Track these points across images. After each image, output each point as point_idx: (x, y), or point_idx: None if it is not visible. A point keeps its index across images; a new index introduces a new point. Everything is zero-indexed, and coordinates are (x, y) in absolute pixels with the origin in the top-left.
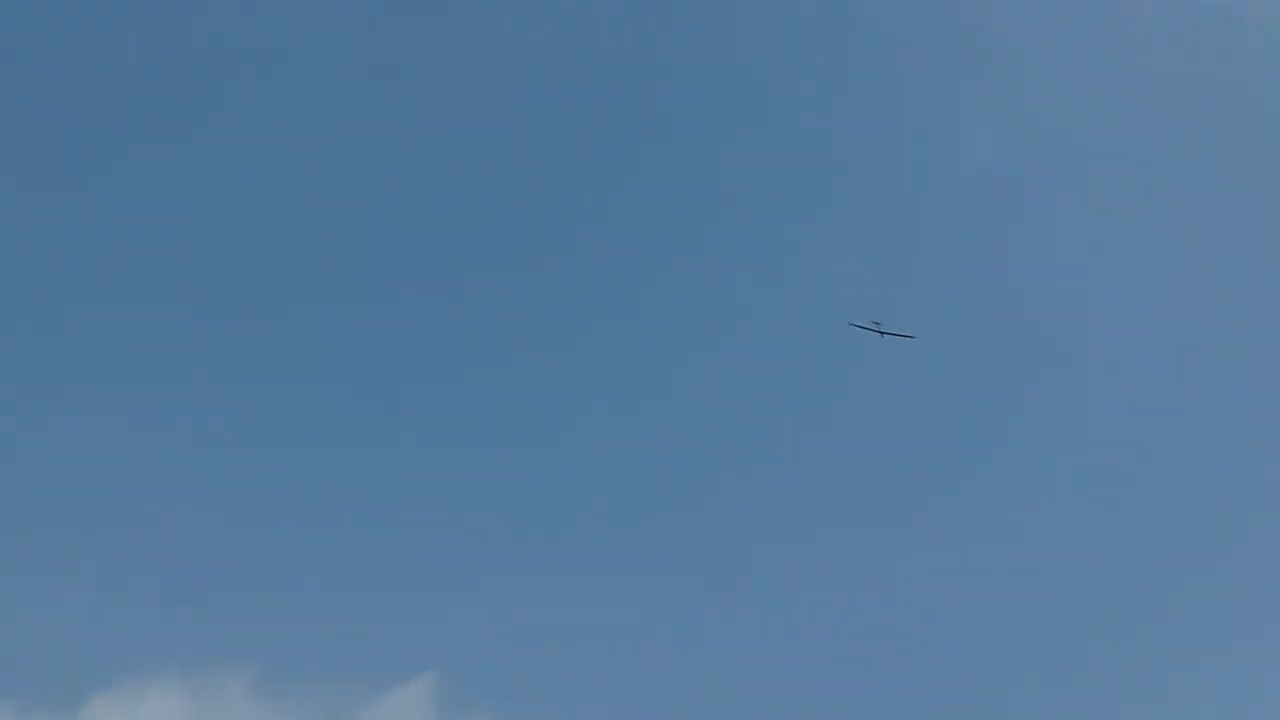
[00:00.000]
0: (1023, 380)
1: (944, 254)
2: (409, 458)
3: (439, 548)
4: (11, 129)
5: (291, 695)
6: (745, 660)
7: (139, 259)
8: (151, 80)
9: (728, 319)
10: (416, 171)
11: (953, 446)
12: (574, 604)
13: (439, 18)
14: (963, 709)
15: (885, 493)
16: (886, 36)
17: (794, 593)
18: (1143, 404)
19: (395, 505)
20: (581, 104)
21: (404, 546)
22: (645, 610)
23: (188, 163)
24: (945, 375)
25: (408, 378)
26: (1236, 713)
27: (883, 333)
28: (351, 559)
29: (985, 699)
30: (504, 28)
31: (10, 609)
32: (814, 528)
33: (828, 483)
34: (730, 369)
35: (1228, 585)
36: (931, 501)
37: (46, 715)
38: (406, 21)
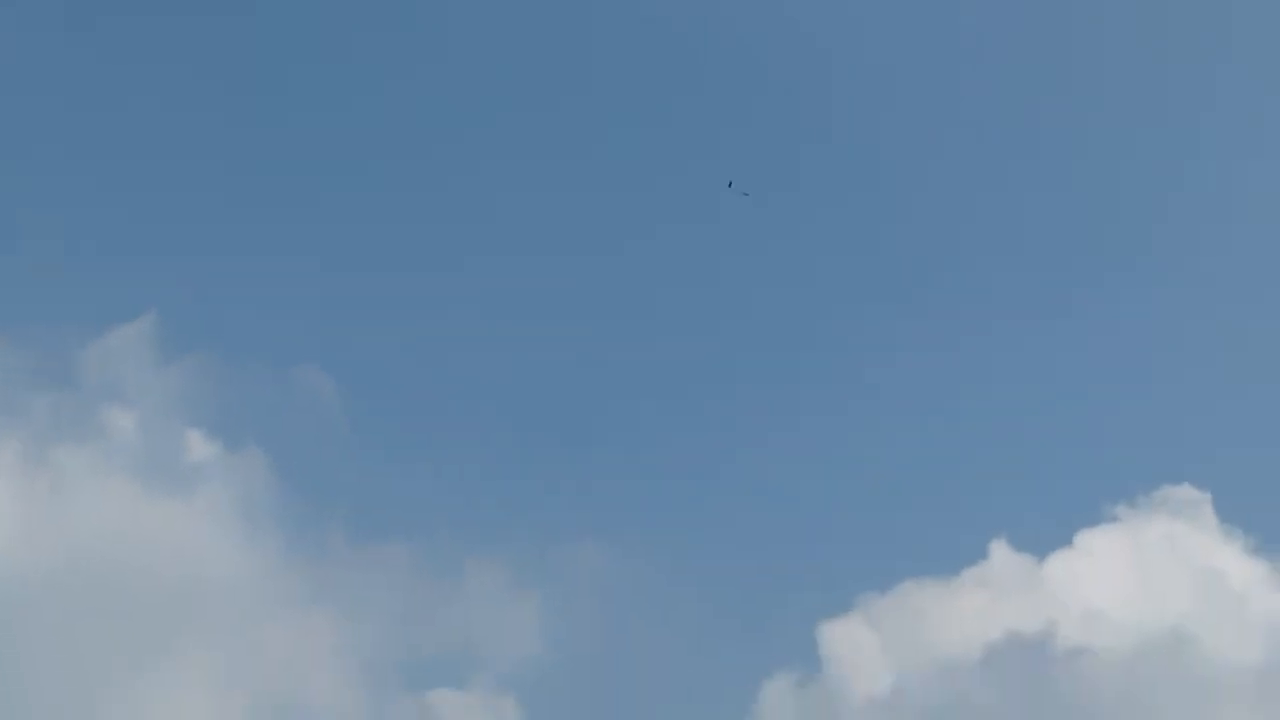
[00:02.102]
0: None
1: None
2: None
3: (155, 185)
4: None
5: (10, 339)
6: None
7: None
8: None
9: None
10: None
11: None
12: (298, 246)
13: None
14: None
15: None
16: None
17: None
18: None
19: (116, 143)
20: None
21: (120, 183)
22: (384, 266)
23: None
24: None
25: None
26: None
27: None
28: (68, 194)
29: None
30: None
31: None
32: None
33: None
34: None
35: None
36: None
37: None
38: None
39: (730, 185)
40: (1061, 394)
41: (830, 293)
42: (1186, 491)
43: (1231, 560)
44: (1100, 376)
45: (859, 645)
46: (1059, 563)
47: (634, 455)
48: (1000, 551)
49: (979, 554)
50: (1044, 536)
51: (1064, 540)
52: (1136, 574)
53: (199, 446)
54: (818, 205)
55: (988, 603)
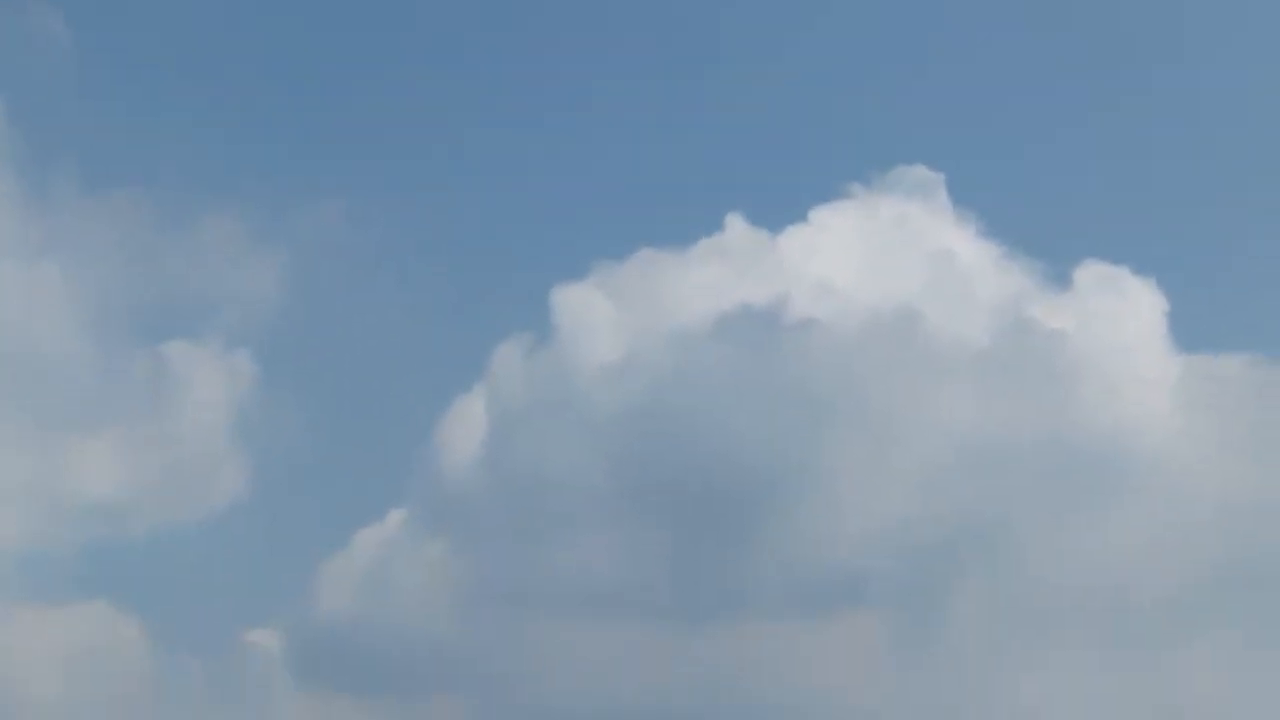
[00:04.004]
0: None
1: None
2: None
3: None
4: None
5: None
6: None
7: None
8: None
9: None
10: None
11: None
12: None
13: None
14: None
15: None
16: None
17: None
18: None
19: None
20: None
21: None
22: None
23: None
24: None
25: None
26: None
27: None
28: None
29: None
30: None
31: None
32: None
33: None
34: None
35: None
36: None
37: None
38: None
39: None
40: (798, 69)
41: None
42: (920, 172)
43: (963, 242)
44: (837, 53)
45: (592, 312)
46: (793, 237)
47: (377, 116)
48: (735, 224)
49: (714, 225)
50: (779, 211)
51: (799, 216)
52: (868, 251)
53: None
54: None
55: (721, 274)
